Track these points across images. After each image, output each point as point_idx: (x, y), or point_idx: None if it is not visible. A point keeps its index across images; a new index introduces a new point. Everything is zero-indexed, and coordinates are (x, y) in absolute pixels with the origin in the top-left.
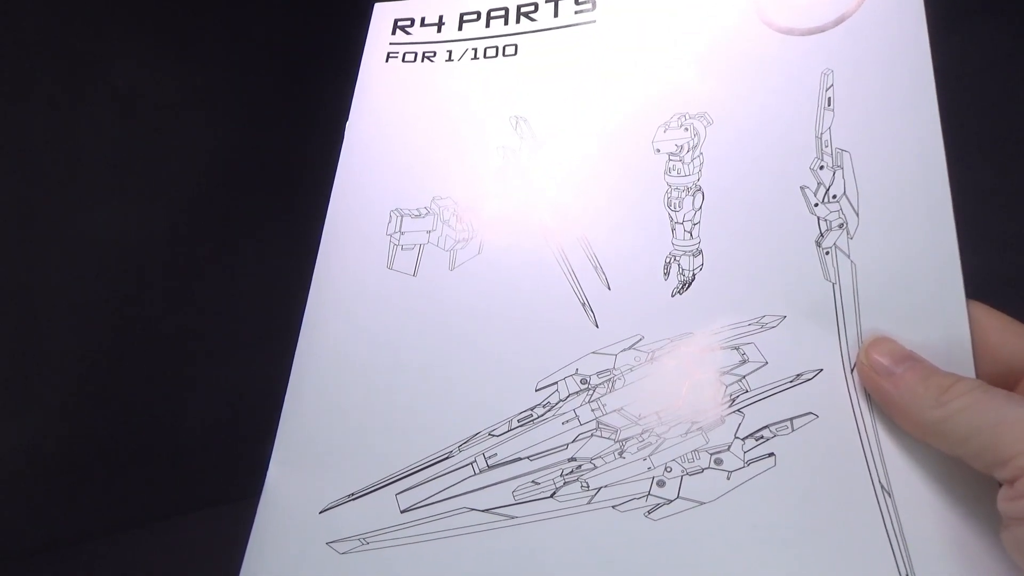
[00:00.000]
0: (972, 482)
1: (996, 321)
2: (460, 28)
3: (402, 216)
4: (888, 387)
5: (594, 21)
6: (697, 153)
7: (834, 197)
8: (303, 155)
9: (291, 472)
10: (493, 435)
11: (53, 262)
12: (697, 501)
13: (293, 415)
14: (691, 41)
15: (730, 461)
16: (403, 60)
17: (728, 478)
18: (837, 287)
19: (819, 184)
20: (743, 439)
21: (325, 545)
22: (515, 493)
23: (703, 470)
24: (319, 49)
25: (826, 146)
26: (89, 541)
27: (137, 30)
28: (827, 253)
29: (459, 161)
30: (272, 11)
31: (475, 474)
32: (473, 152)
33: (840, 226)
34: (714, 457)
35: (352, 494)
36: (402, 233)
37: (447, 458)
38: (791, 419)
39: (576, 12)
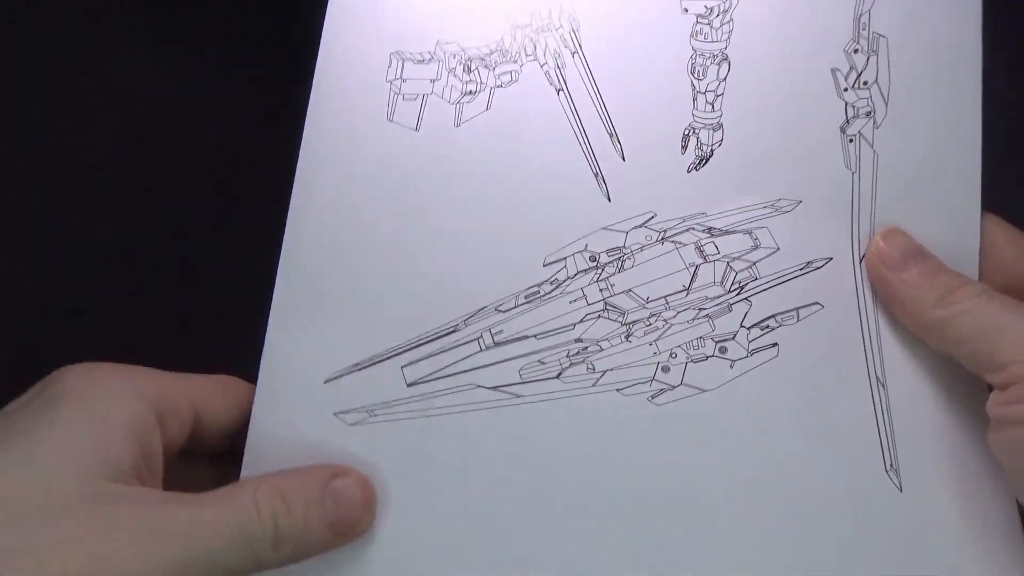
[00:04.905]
0: (965, 380)
1: (1008, 236)
2: None
3: (403, 61)
4: (893, 280)
5: None
6: (728, 18)
7: (865, 83)
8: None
9: (292, 338)
10: (499, 310)
11: (53, 262)
12: (699, 388)
13: (289, 276)
14: None
15: (734, 350)
16: None
17: (731, 367)
18: (857, 176)
19: (851, 68)
20: (749, 328)
21: (332, 415)
22: (521, 372)
23: (707, 358)
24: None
25: (863, 28)
26: None
27: (136, 27)
28: (851, 141)
29: (473, 4)
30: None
31: (481, 350)
32: None
33: (867, 114)
34: (719, 345)
35: (357, 364)
36: (403, 80)
37: (453, 332)
38: (797, 309)
39: None
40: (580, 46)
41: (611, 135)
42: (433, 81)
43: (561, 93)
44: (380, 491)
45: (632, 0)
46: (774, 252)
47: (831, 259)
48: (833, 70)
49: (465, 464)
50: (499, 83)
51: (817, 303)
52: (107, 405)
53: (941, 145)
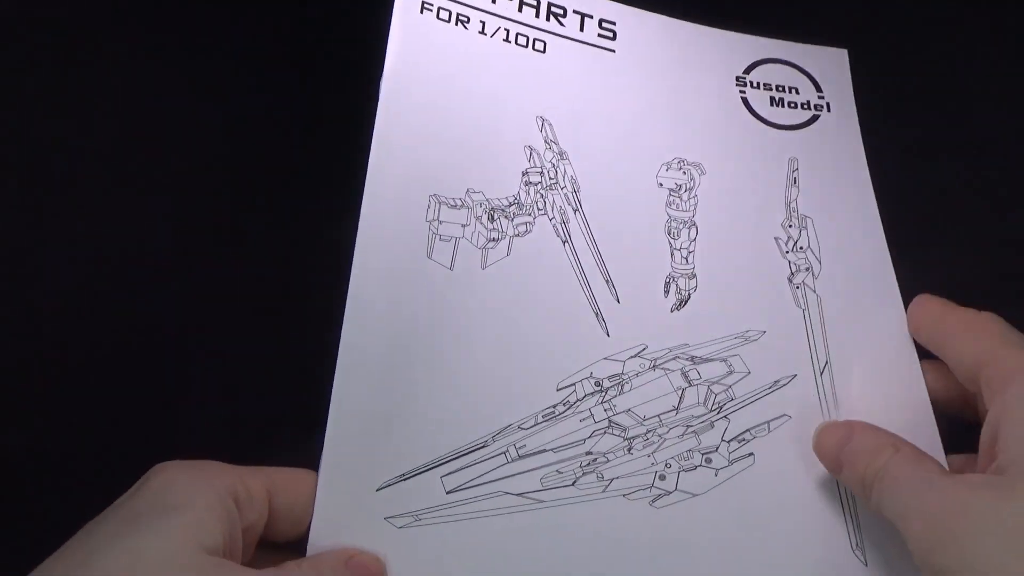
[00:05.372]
0: None
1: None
2: (494, 1)
3: (440, 204)
4: (841, 480)
5: (613, 51)
6: (693, 194)
7: (801, 248)
8: (322, 145)
9: (346, 453)
10: (522, 428)
11: (54, 261)
12: (691, 493)
13: (342, 399)
14: (693, 103)
15: (718, 460)
16: (437, 16)
17: (716, 475)
18: (806, 312)
19: (789, 238)
20: (728, 442)
21: (384, 520)
22: (542, 480)
23: (696, 467)
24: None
25: (793, 212)
26: None
27: (139, 18)
28: (797, 287)
29: (490, 153)
30: None
31: (508, 462)
32: (503, 146)
33: (807, 269)
34: (705, 456)
35: (403, 475)
36: (440, 223)
37: (484, 446)
38: (768, 422)
39: (599, 35)
40: (580, 205)
41: (607, 281)
42: (464, 226)
43: (566, 244)
44: None
45: (620, 170)
46: (746, 375)
47: (795, 375)
48: (776, 239)
49: (496, 561)
50: (517, 232)
51: (785, 415)
52: (198, 496)
53: (865, 289)
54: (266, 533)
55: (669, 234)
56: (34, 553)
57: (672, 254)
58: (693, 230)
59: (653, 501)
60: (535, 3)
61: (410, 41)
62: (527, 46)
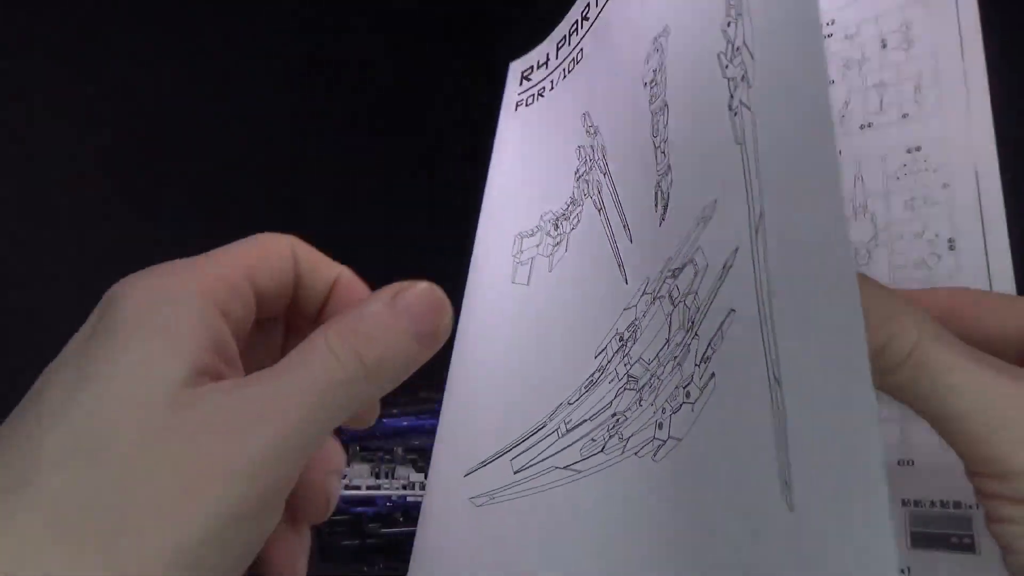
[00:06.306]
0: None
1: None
2: (557, 55)
3: (522, 238)
4: None
5: None
6: (663, 67)
7: (737, 50)
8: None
9: (447, 448)
10: (569, 403)
11: (54, 261)
12: (677, 438)
13: (450, 408)
14: None
15: (693, 391)
16: (527, 105)
17: (692, 410)
18: (744, 148)
19: (728, 43)
20: (698, 365)
21: (468, 500)
22: (581, 451)
23: (681, 406)
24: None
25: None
26: None
27: (140, 18)
28: (736, 113)
29: (557, 174)
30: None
31: (559, 438)
32: (565, 161)
33: (743, 78)
34: (685, 391)
35: (483, 461)
36: (521, 252)
37: (542, 427)
38: (720, 326)
39: None
40: (608, 166)
41: (624, 226)
42: (538, 246)
43: (602, 212)
44: (497, 555)
45: (621, 97)
46: (705, 270)
47: (737, 248)
48: (717, 55)
49: (548, 533)
50: (572, 227)
51: (732, 310)
52: (169, 316)
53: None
54: (258, 314)
55: (653, 134)
56: None
57: (656, 155)
58: (666, 112)
59: (654, 454)
60: (575, 25)
61: (508, 137)
62: (574, 67)
